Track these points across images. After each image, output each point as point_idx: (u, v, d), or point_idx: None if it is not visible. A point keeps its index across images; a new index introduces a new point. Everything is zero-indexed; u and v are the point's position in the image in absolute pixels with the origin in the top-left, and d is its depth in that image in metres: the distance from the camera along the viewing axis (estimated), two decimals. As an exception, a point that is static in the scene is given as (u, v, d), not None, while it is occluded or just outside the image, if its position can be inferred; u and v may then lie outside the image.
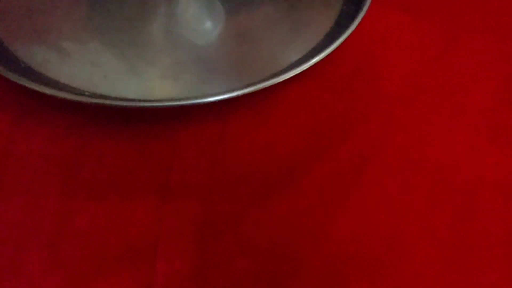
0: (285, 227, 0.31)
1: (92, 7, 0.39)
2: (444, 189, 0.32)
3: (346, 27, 0.36)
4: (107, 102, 0.33)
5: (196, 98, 0.34)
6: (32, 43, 0.37)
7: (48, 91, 0.33)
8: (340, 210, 0.31)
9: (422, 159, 0.33)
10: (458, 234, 0.31)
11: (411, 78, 0.37)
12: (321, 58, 0.34)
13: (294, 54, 0.36)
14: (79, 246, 0.30)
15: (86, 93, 0.34)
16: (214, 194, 0.32)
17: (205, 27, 0.35)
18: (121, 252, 0.30)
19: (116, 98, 0.34)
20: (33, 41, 0.37)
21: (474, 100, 0.36)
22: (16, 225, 0.31)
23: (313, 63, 0.34)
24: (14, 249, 0.30)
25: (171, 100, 0.34)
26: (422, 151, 0.34)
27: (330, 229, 0.31)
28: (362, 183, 0.33)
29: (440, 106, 0.36)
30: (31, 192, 0.32)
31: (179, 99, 0.34)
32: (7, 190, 0.32)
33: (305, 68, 0.34)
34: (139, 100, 0.34)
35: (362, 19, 0.36)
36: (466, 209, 0.31)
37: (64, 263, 0.29)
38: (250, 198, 0.32)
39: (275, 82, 0.33)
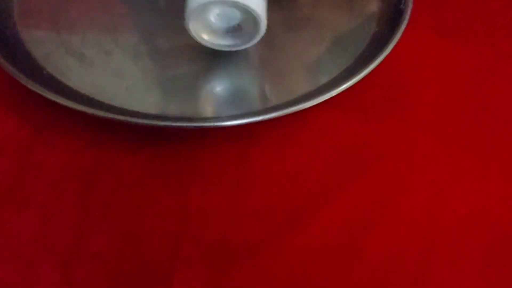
0: (307, 259, 0.30)
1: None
2: (474, 229, 0.31)
3: (379, 51, 0.35)
4: (124, 118, 0.32)
5: (217, 120, 0.33)
6: (55, 51, 0.36)
7: (68, 103, 0.32)
8: (364, 245, 0.30)
9: (452, 196, 0.32)
10: (488, 278, 0.29)
11: (444, 108, 0.35)
12: (351, 84, 0.33)
13: (323, 76, 0.35)
14: (94, 267, 0.29)
15: (105, 104, 0.34)
16: (234, 221, 0.31)
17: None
18: (136, 277, 0.29)
19: (134, 114, 0.33)
20: (56, 48, 0.36)
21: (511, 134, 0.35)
22: (30, 241, 0.30)
23: (342, 89, 0.33)
24: (26, 266, 0.29)
25: (192, 120, 0.33)
26: (452, 187, 0.32)
27: (353, 264, 0.30)
28: (387, 217, 0.31)
29: (474, 140, 0.34)
30: (47, 206, 0.31)
31: (199, 120, 0.33)
32: (22, 203, 0.32)
33: (333, 94, 0.33)
34: (158, 118, 0.33)
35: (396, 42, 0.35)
36: (497, 252, 0.30)
37: (77, 285, 0.29)
38: (271, 227, 0.31)
39: (301, 108, 0.32)
